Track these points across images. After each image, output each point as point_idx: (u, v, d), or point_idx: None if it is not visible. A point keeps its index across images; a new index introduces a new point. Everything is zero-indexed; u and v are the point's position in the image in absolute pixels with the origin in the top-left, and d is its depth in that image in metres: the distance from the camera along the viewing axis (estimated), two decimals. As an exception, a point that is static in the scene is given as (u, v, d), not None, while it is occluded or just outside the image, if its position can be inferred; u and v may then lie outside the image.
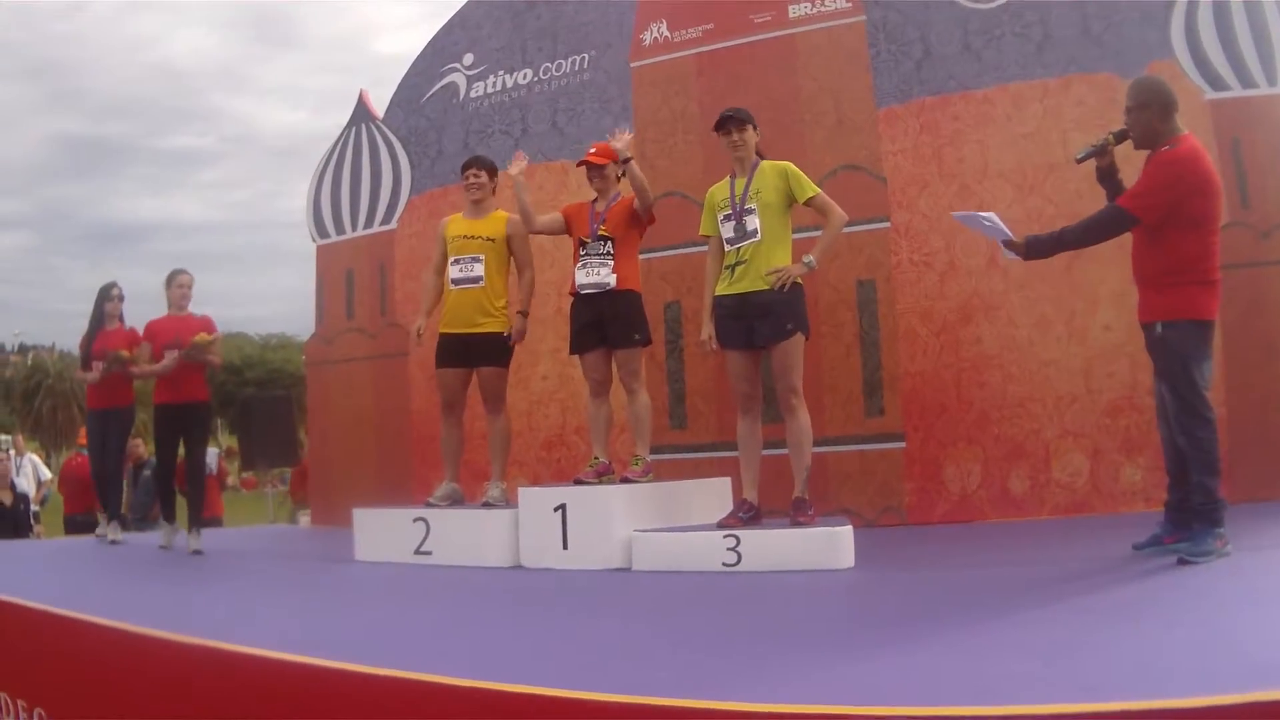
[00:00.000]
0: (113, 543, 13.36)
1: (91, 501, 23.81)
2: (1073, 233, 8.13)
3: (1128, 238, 8.12)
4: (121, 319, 13.69)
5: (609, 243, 10.02)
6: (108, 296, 13.65)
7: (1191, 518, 7.73)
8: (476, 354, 10.63)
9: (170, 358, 12.38)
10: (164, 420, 12.65)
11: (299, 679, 5.36)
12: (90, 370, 13.27)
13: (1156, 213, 7.69)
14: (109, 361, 13.01)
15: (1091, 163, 8.35)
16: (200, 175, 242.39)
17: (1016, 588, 7.28)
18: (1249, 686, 4.01)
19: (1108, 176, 8.32)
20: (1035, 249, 8.22)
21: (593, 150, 10.46)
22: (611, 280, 9.94)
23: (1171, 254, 7.72)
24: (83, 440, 25.52)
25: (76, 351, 14.31)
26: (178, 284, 12.94)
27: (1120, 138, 8.18)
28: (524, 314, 10.70)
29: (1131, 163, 8.27)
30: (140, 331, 13.50)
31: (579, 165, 10.67)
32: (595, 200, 10.43)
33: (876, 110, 12.41)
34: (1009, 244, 8.22)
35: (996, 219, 8.32)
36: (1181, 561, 7.45)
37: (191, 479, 12.85)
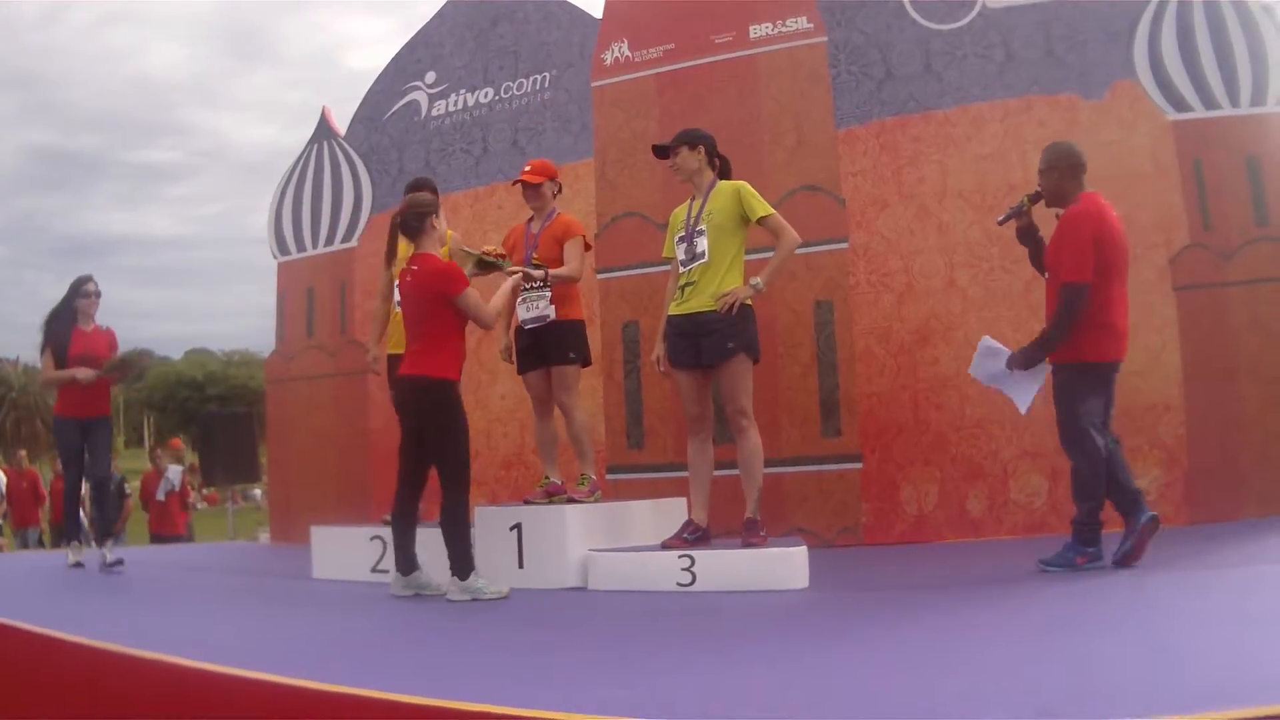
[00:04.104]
0: (76, 565, 11.93)
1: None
2: (1053, 331, 8.50)
3: (1041, 283, 8.89)
4: (94, 318, 12.31)
5: (543, 269, 9.88)
6: (81, 292, 12.22)
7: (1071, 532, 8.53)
8: None
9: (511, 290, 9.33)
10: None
11: (246, 693, 5.33)
12: (70, 371, 11.75)
13: (1091, 267, 8.31)
14: (123, 363, 12.22)
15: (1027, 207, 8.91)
16: (171, 190, 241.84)
17: (970, 607, 7.32)
18: (1195, 707, 4.02)
19: (1028, 235, 8.95)
20: (1027, 357, 8.62)
21: (528, 168, 10.38)
22: (550, 312, 9.86)
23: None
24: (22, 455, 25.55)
25: (41, 359, 12.39)
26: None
27: (1035, 199, 8.82)
28: None
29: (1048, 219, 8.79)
30: (115, 333, 12.43)
31: (513, 184, 10.59)
32: (531, 220, 10.38)
33: (836, 131, 12.43)
34: (1010, 361, 8.71)
35: (992, 345, 8.87)
36: (1041, 569, 8.41)
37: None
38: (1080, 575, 8.12)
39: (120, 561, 11.64)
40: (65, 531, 12.96)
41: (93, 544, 12.83)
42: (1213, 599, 7.07)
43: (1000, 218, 8.99)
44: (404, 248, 10.74)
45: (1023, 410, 8.78)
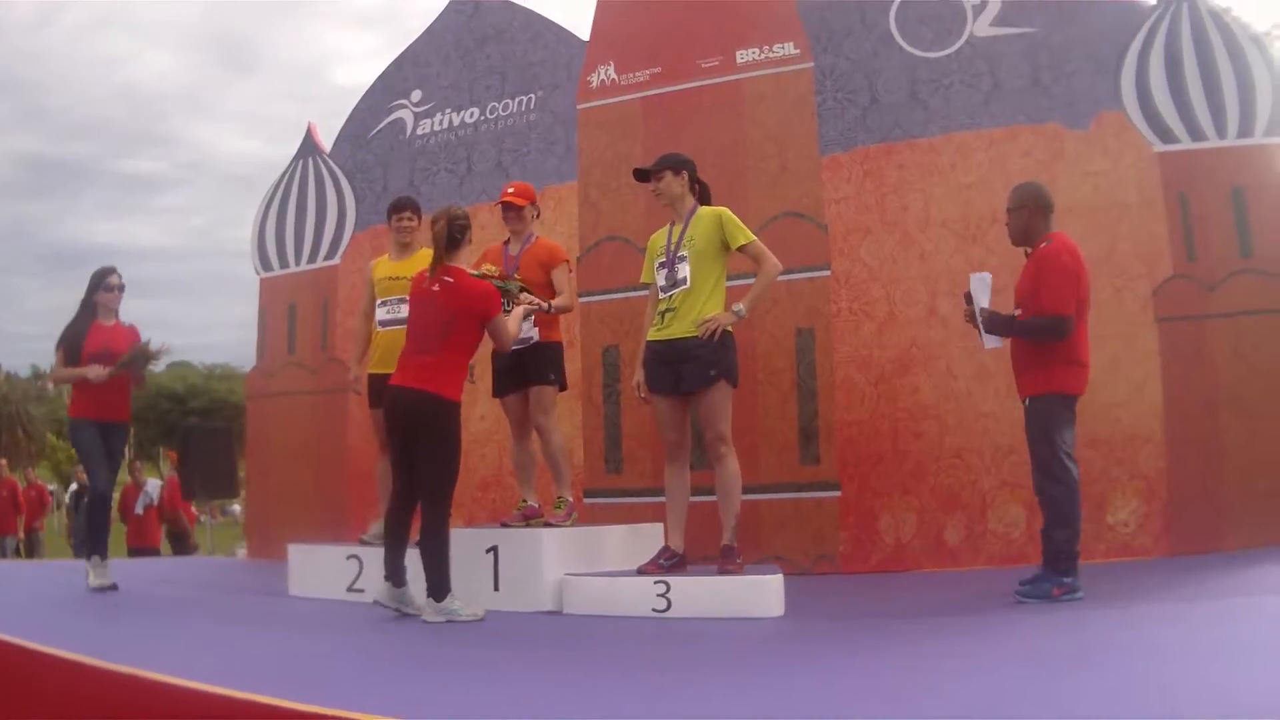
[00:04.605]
0: (103, 588, 10.79)
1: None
2: (1022, 327, 8.80)
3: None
4: (118, 314, 11.45)
5: (547, 303, 9.88)
6: (104, 285, 11.33)
7: (1043, 561, 8.68)
8: None
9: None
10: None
11: (217, 710, 5.32)
12: (80, 369, 10.85)
13: (1075, 302, 8.60)
14: (133, 358, 11.00)
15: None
16: (157, 200, 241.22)
17: (946, 638, 7.33)
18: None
19: (1007, 323, 8.97)
20: (992, 321, 8.86)
21: (511, 190, 10.41)
22: (535, 334, 9.90)
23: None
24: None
25: (55, 354, 11.26)
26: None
27: (970, 299, 9.03)
28: None
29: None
30: (138, 330, 11.47)
31: (496, 205, 10.61)
32: (508, 242, 10.40)
33: (820, 157, 12.44)
34: (981, 310, 8.93)
35: (987, 281, 9.01)
36: (1018, 599, 8.51)
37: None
38: (1057, 606, 8.16)
39: (114, 586, 10.79)
40: (92, 547, 11.24)
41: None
42: (1191, 631, 7.08)
43: (990, 342, 9.06)
44: (385, 267, 10.78)
45: (983, 346, 9.10)
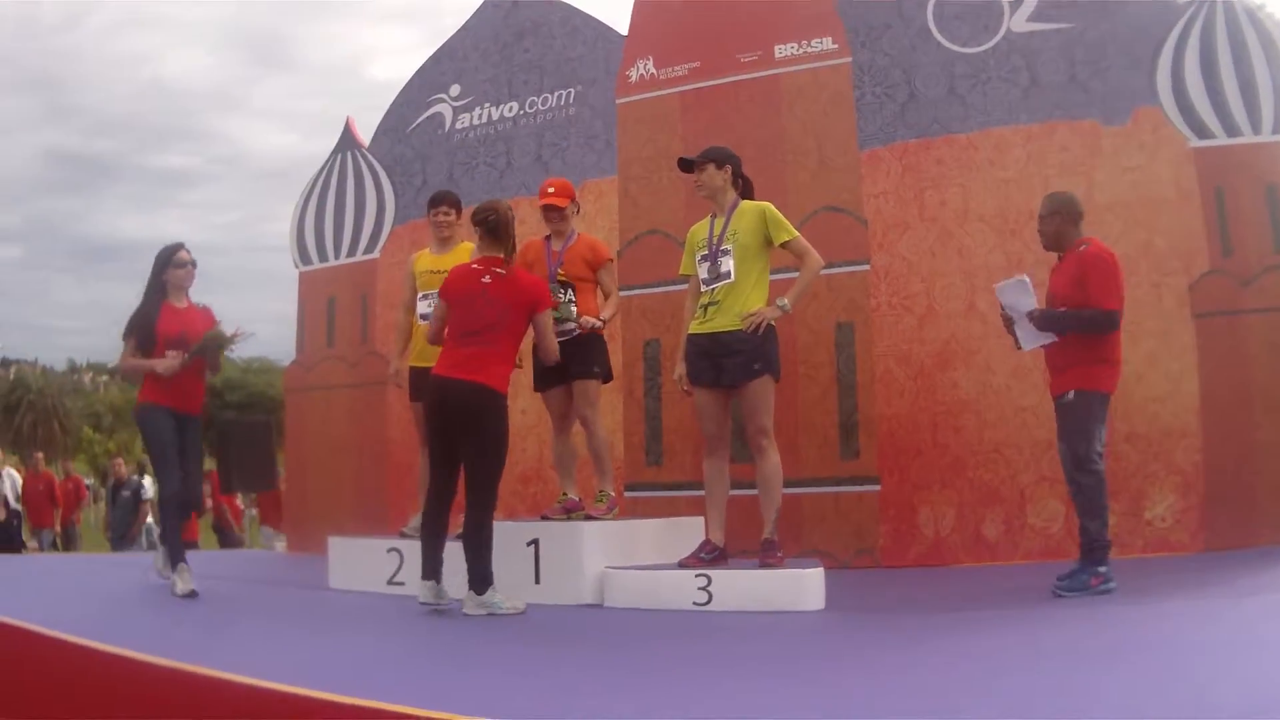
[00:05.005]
0: (189, 594, 9.79)
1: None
2: (1076, 317, 8.89)
3: None
4: (189, 294, 10.34)
5: (569, 289, 9.96)
6: (174, 261, 10.18)
7: (1080, 554, 8.87)
8: None
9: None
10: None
11: (257, 701, 5.36)
12: (163, 357, 9.79)
13: (1123, 299, 8.91)
14: (204, 346, 9.92)
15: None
16: (188, 195, 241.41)
17: (984, 633, 7.36)
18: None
19: (1054, 318, 9.10)
20: (1045, 320, 9.01)
21: (551, 190, 10.34)
22: (575, 328, 9.87)
23: (1084, 337, 8.89)
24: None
25: (124, 343, 10.08)
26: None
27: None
28: None
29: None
30: (212, 311, 10.34)
31: (536, 201, 10.58)
32: (549, 238, 10.37)
33: (859, 152, 12.46)
34: (1030, 312, 9.04)
35: (1028, 283, 9.17)
36: (1056, 594, 8.62)
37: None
38: (1095, 600, 8.21)
39: (194, 593, 9.77)
40: (170, 554, 10.21)
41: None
42: (1226, 628, 7.09)
43: (1027, 344, 9.25)
44: (427, 261, 10.82)
45: (1021, 347, 9.30)
